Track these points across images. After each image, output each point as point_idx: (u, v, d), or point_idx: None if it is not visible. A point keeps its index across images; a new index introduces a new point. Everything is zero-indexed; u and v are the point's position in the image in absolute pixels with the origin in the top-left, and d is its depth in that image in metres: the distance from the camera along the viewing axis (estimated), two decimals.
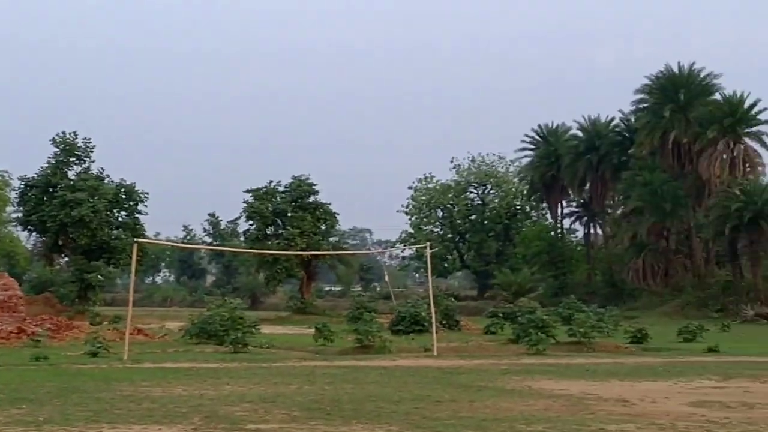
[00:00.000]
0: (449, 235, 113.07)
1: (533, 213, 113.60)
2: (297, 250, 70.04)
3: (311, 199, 78.90)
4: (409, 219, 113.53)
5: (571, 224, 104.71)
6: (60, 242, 70.66)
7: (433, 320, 35.99)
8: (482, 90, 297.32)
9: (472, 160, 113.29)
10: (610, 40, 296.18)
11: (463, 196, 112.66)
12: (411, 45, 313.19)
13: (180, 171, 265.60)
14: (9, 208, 79.76)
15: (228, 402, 17.28)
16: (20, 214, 73.29)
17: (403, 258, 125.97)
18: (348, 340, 38.13)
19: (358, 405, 16.88)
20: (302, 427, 14.04)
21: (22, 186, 71.25)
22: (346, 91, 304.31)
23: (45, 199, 69.16)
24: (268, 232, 78.65)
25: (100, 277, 70.89)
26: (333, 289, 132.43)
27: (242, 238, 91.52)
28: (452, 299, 59.18)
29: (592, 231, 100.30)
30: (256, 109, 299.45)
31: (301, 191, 78.40)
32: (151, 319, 61.25)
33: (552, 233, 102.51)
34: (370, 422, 14.68)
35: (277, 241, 76.01)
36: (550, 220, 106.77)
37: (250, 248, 75.89)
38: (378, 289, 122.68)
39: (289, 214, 77.41)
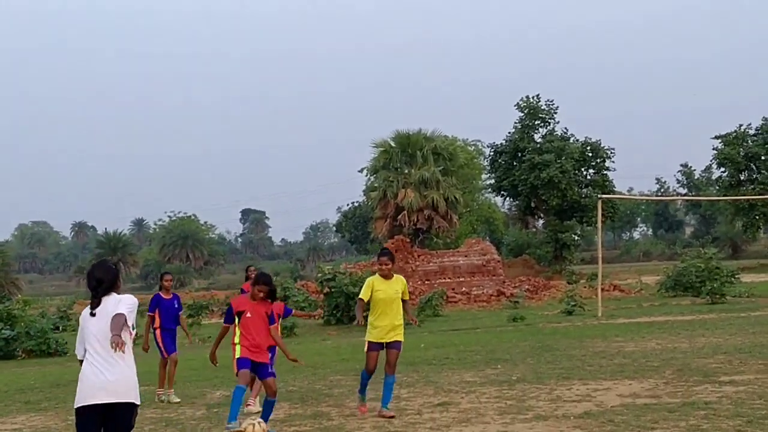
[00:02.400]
0: None
1: None
2: None
3: None
4: None
5: None
6: (532, 204, 72.32)
7: None
8: None
9: None
10: None
11: None
12: None
13: (650, 124, 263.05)
14: (483, 176, 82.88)
15: (701, 354, 16.78)
16: (492, 181, 75.98)
17: None
18: None
19: None
20: None
21: (492, 153, 73.89)
22: None
23: (514, 163, 71.08)
24: (742, 178, 75.39)
25: (574, 236, 71.91)
26: None
27: (717, 187, 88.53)
28: None
29: None
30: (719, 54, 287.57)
31: None
32: (628, 275, 61.33)
33: None
34: None
35: (752, 186, 72.73)
36: None
37: (724, 196, 73.24)
38: None
39: (762, 158, 73.57)
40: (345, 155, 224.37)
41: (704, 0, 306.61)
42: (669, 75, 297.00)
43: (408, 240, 55.70)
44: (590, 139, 72.01)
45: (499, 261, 52.40)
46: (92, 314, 6.74)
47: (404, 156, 65.61)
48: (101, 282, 6.82)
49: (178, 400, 14.60)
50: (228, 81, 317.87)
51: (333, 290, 34.48)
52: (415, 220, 62.92)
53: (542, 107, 71.94)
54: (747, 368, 14.49)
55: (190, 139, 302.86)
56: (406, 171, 65.01)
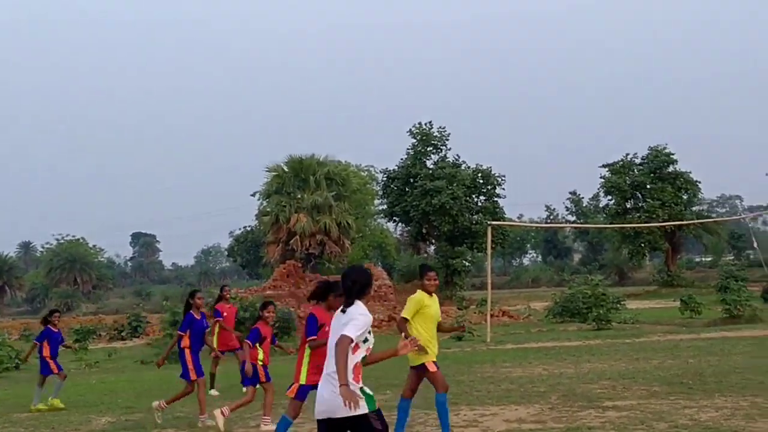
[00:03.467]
0: None
1: None
2: (659, 222, 68.20)
3: (670, 169, 76.40)
4: None
5: None
6: (424, 230, 72.64)
7: None
8: None
9: None
10: None
11: None
12: None
13: (538, 152, 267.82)
14: (376, 201, 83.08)
15: (586, 380, 17.04)
16: (385, 206, 75.96)
17: None
18: (716, 310, 36.66)
19: (723, 377, 16.09)
20: (661, 403, 13.54)
21: (385, 179, 73.97)
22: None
23: (407, 189, 71.14)
24: (628, 206, 77.21)
25: (465, 262, 72.37)
26: (704, 259, 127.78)
27: (604, 215, 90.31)
28: None
29: None
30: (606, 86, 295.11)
31: (659, 162, 76.17)
32: (517, 301, 62.02)
33: None
34: (735, 395, 13.94)
35: (638, 214, 74.52)
36: None
37: (611, 223, 74.80)
38: (751, 257, 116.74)
39: (648, 186, 75.47)
40: (237, 179, 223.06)
41: (589, 30, 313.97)
42: (558, 104, 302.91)
43: (300, 265, 55.43)
44: (481, 166, 72.37)
45: (390, 286, 52.44)
46: (343, 311, 7.11)
47: (297, 181, 65.56)
48: (355, 283, 7.20)
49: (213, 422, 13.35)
50: (120, 101, 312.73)
51: None
52: (308, 244, 62.84)
53: (434, 134, 72.27)
54: (630, 393, 14.76)
55: (79, 159, 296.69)
56: (299, 196, 64.95)
